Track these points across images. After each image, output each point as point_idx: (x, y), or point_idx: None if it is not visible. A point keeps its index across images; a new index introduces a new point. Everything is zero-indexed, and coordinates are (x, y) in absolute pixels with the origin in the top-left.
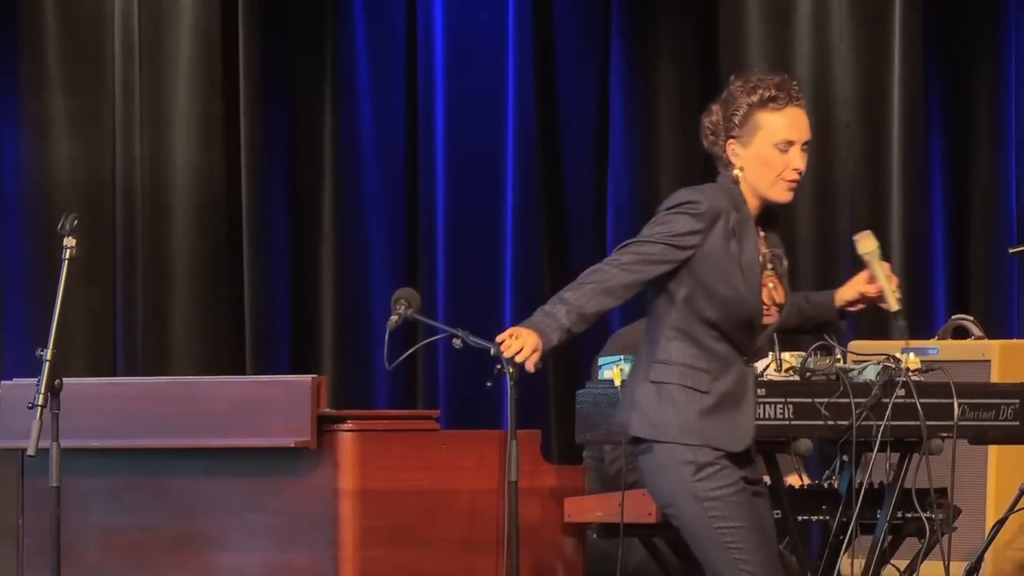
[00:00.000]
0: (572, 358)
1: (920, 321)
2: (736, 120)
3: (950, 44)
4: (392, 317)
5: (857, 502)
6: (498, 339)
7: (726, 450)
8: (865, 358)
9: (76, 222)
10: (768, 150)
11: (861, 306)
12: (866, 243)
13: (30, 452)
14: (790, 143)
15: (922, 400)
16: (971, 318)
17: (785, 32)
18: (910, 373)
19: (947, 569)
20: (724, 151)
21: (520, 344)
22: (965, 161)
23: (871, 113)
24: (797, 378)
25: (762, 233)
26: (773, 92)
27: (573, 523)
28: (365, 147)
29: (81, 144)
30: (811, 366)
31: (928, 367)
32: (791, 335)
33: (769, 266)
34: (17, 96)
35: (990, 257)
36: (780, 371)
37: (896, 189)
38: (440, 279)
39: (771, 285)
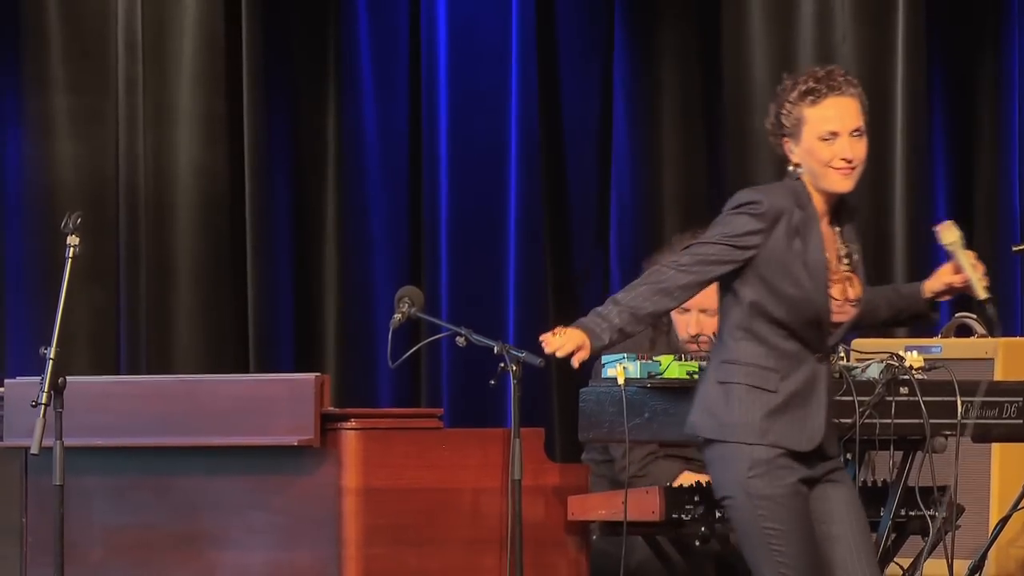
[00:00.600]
0: None
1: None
2: (783, 119)
3: (953, 43)
4: (395, 315)
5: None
6: (541, 337)
7: (793, 449)
8: (868, 356)
9: (79, 220)
10: (814, 143)
11: (948, 296)
12: (948, 233)
13: (33, 450)
14: (834, 133)
15: (925, 398)
16: (974, 316)
17: (788, 31)
18: (913, 371)
19: (950, 567)
20: (784, 150)
21: (562, 341)
22: (968, 160)
23: (874, 112)
24: None
25: (837, 228)
26: (812, 84)
27: (576, 521)
28: (368, 146)
29: (84, 143)
30: None
31: (931, 365)
32: (882, 328)
33: (845, 262)
34: (20, 95)
35: (993, 255)
36: None
37: (899, 188)
38: (443, 277)
39: (846, 281)
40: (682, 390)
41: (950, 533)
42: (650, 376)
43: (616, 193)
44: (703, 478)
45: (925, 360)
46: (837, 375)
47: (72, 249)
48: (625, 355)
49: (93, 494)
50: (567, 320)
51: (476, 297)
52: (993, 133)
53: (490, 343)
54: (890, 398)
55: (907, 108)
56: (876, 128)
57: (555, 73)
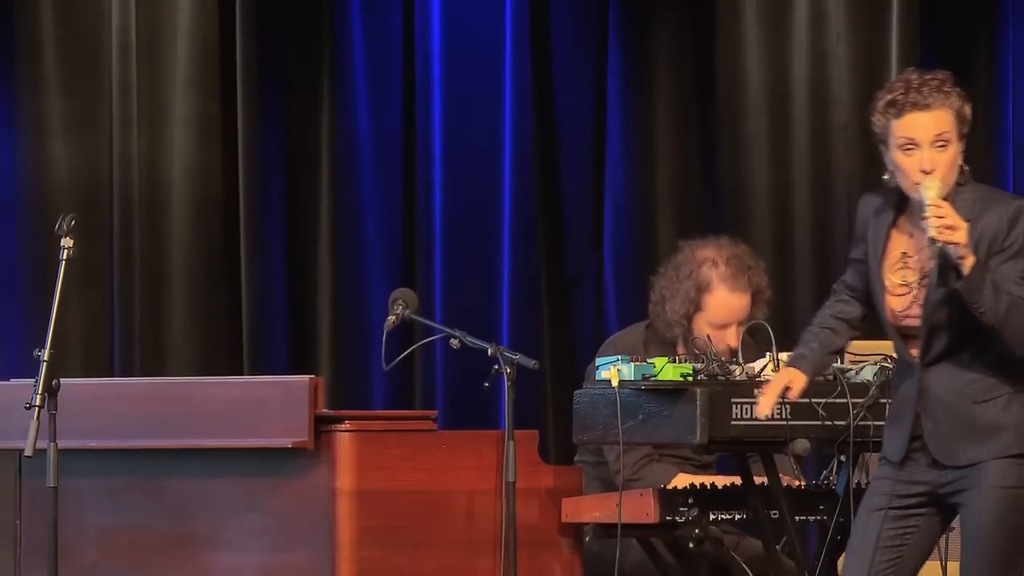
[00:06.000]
0: (570, 358)
1: None
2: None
3: (947, 46)
4: (389, 317)
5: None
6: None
7: (887, 458)
8: (862, 358)
9: (74, 223)
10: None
11: None
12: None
13: (27, 453)
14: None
15: None
16: None
17: (782, 33)
18: None
19: (944, 569)
20: None
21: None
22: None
23: (868, 114)
24: None
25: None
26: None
27: (570, 523)
28: (362, 148)
29: (78, 146)
30: None
31: None
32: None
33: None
34: (14, 97)
35: None
36: (777, 371)
37: None
38: (437, 280)
39: (906, 287)
40: (676, 392)
41: (944, 535)
42: (644, 378)
43: (610, 195)
44: (699, 479)
45: None
46: (831, 377)
47: (66, 251)
48: (619, 357)
49: (87, 496)
50: (560, 322)
51: (470, 299)
52: (987, 134)
53: (484, 345)
54: (884, 400)
55: None
56: (870, 130)
57: (549, 75)
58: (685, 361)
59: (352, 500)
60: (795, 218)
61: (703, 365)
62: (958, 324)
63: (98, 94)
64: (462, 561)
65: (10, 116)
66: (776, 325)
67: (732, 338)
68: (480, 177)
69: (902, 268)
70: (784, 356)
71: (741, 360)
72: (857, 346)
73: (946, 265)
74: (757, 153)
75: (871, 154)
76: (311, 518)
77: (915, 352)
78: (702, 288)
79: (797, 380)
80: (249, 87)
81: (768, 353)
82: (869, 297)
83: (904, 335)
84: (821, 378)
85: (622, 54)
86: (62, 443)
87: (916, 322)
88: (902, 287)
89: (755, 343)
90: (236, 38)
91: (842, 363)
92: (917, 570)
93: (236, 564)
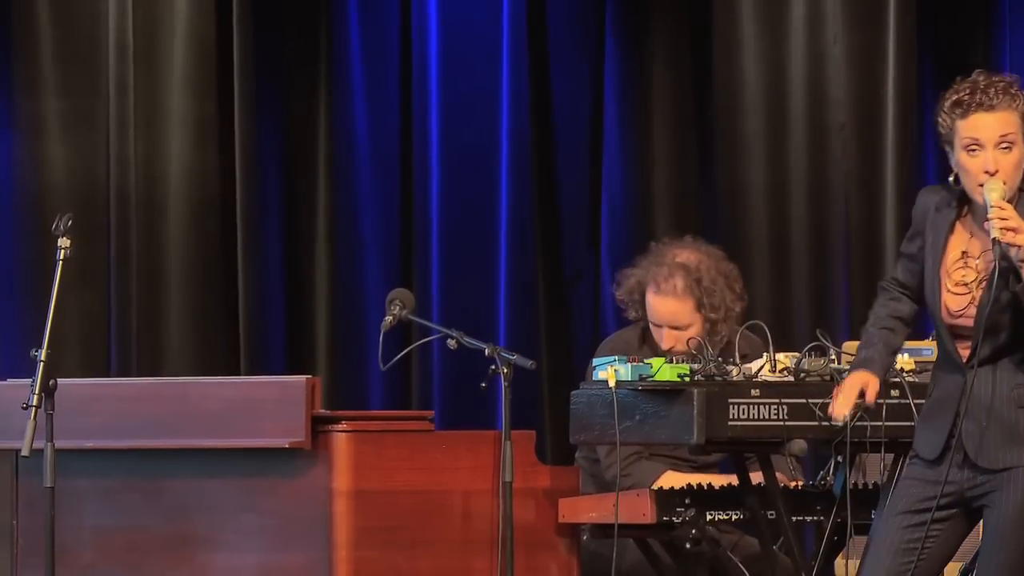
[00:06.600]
0: (567, 358)
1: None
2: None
3: (944, 45)
4: (387, 318)
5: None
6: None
7: (921, 456)
8: None
9: (70, 222)
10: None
11: None
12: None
13: (24, 452)
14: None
15: (916, 401)
16: None
17: (779, 34)
18: (904, 374)
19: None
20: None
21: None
22: None
23: (865, 115)
24: (791, 379)
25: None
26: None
27: (567, 523)
28: (359, 148)
29: (75, 145)
30: (805, 367)
31: (922, 368)
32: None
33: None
34: (11, 97)
35: None
36: (774, 372)
37: (891, 191)
38: (434, 280)
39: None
40: (673, 392)
41: None
42: (641, 378)
43: (607, 195)
44: (690, 478)
45: (916, 363)
46: (828, 378)
47: (63, 251)
48: (616, 358)
49: (84, 496)
50: (557, 322)
51: (467, 299)
52: None
53: (481, 345)
54: (881, 400)
55: (898, 110)
56: (867, 130)
57: (546, 75)
58: (682, 361)
59: (349, 500)
60: (792, 218)
61: (700, 365)
62: (1012, 328)
63: (95, 94)
64: (459, 561)
65: (7, 116)
66: (773, 325)
67: (663, 340)
68: (477, 177)
69: (962, 268)
70: (781, 356)
71: (739, 360)
72: (853, 347)
73: (1008, 267)
74: (754, 153)
75: (868, 154)
76: (308, 518)
77: (964, 352)
78: (642, 281)
79: (872, 383)
80: (246, 87)
81: (765, 353)
82: (922, 293)
83: (955, 334)
84: (818, 378)
85: (619, 54)
86: (59, 443)
87: (970, 322)
88: (960, 287)
89: (755, 343)
90: (233, 38)
91: (839, 363)
92: (938, 573)
93: (233, 564)
